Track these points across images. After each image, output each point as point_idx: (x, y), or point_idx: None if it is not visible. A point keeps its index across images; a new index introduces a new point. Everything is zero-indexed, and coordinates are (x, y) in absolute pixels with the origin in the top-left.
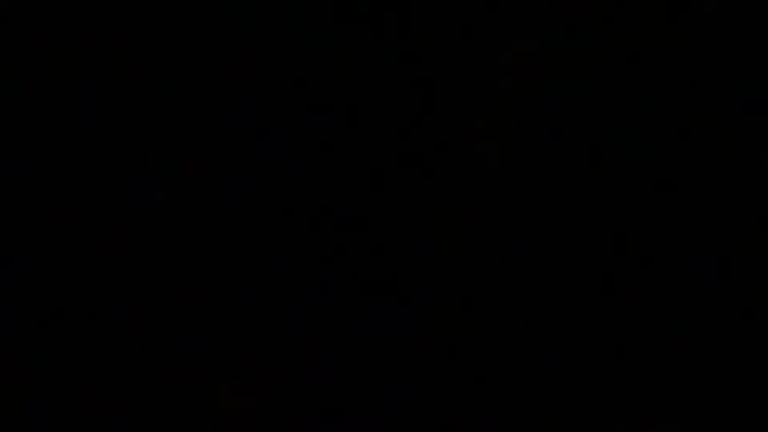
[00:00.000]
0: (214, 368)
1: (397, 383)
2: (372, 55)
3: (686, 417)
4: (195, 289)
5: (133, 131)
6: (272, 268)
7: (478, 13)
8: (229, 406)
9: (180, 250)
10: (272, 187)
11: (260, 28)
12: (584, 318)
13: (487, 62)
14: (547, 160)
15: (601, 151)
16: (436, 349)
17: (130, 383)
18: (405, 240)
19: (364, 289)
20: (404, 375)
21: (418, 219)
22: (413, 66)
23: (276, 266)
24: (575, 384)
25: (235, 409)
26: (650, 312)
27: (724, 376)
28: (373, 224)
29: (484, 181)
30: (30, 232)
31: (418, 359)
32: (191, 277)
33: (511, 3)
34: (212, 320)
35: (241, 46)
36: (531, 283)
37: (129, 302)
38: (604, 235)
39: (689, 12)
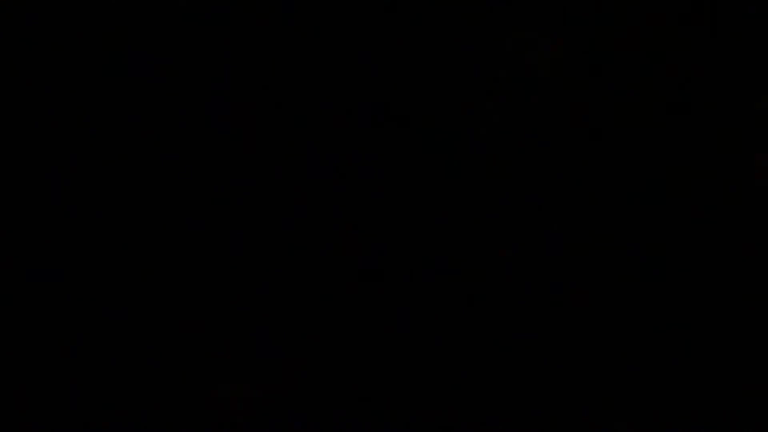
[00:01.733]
0: (213, 366)
1: (396, 383)
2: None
3: (686, 417)
4: (195, 288)
5: (131, 131)
6: (272, 264)
7: (508, 13)
8: (229, 404)
9: (180, 248)
10: (271, 178)
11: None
12: (584, 318)
13: (513, 61)
14: (564, 159)
15: (618, 148)
16: (436, 348)
17: (130, 382)
18: (405, 237)
19: (365, 285)
20: (404, 374)
21: (426, 214)
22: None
23: (275, 264)
24: (575, 384)
25: (235, 407)
26: (650, 312)
27: (724, 376)
28: (374, 219)
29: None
30: (30, 232)
31: (418, 358)
32: (191, 276)
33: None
34: (212, 319)
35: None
36: (531, 282)
37: (129, 301)
38: (603, 236)
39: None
